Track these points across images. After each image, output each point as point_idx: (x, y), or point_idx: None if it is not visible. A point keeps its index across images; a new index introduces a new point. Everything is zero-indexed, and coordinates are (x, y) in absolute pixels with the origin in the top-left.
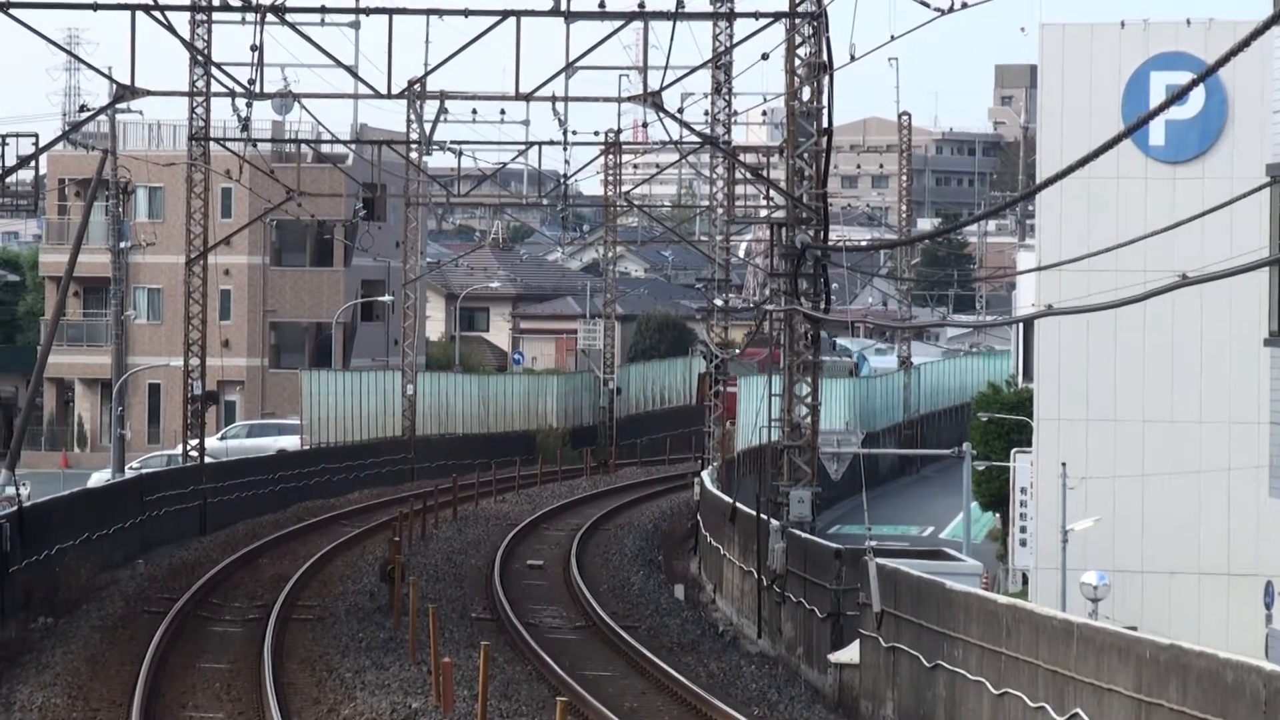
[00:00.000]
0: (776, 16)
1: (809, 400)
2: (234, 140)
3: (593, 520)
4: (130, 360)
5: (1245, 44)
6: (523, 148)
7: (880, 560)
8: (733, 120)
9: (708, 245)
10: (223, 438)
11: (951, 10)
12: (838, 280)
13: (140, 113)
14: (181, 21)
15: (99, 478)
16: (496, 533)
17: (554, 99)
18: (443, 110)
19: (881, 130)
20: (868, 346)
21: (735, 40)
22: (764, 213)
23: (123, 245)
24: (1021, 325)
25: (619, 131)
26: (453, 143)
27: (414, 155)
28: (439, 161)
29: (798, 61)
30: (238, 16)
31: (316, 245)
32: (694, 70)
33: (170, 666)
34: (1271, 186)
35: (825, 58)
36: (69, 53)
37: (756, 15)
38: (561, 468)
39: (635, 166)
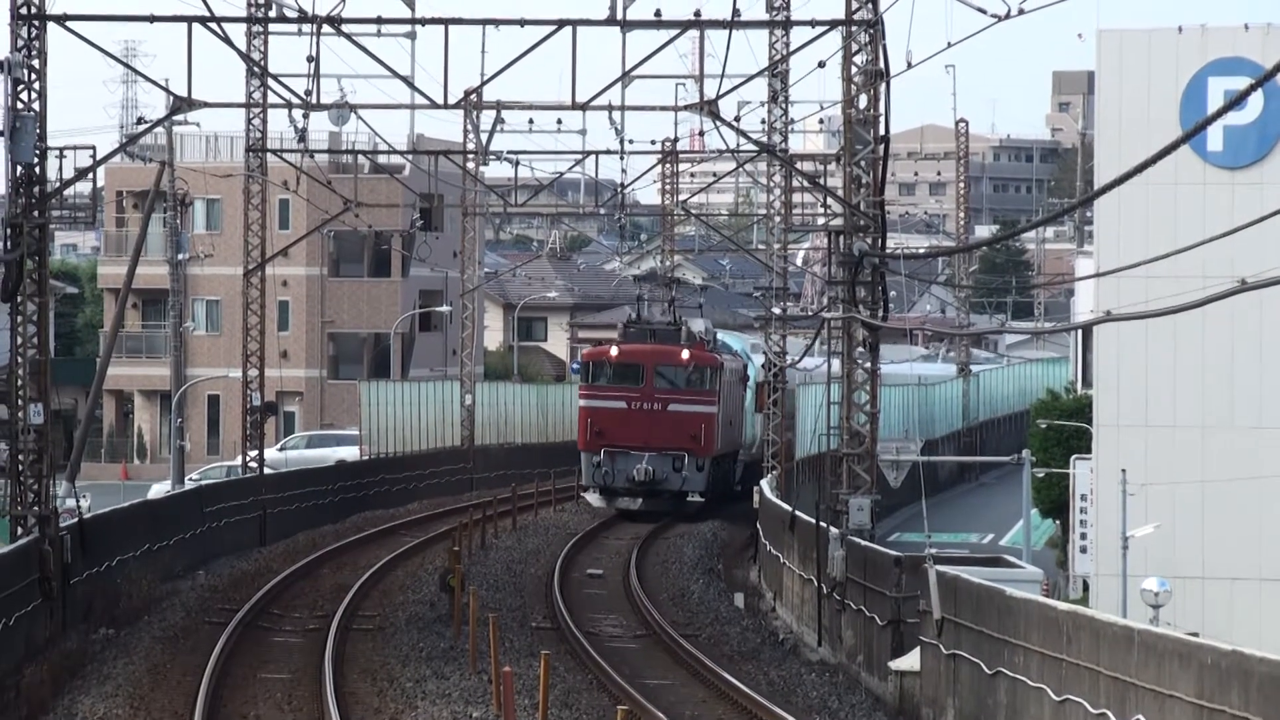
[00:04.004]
0: (833, 24)
1: (868, 408)
2: (291, 151)
3: (652, 529)
4: (189, 372)
5: None
6: (579, 157)
7: (940, 567)
8: (789, 128)
9: (765, 254)
10: (282, 448)
11: (1009, 16)
12: (896, 288)
13: (197, 125)
14: (238, 33)
15: (159, 489)
16: (556, 542)
17: (610, 108)
18: (499, 120)
19: (939, 137)
20: (924, 355)
21: (791, 48)
22: (821, 220)
23: (181, 257)
24: (1080, 331)
25: (675, 140)
26: (509, 152)
27: (471, 165)
28: (496, 171)
29: (854, 69)
30: (294, 28)
31: (374, 256)
32: (750, 78)
33: (231, 677)
34: None
35: (882, 65)
36: (126, 65)
37: (813, 23)
38: None
39: (692, 175)
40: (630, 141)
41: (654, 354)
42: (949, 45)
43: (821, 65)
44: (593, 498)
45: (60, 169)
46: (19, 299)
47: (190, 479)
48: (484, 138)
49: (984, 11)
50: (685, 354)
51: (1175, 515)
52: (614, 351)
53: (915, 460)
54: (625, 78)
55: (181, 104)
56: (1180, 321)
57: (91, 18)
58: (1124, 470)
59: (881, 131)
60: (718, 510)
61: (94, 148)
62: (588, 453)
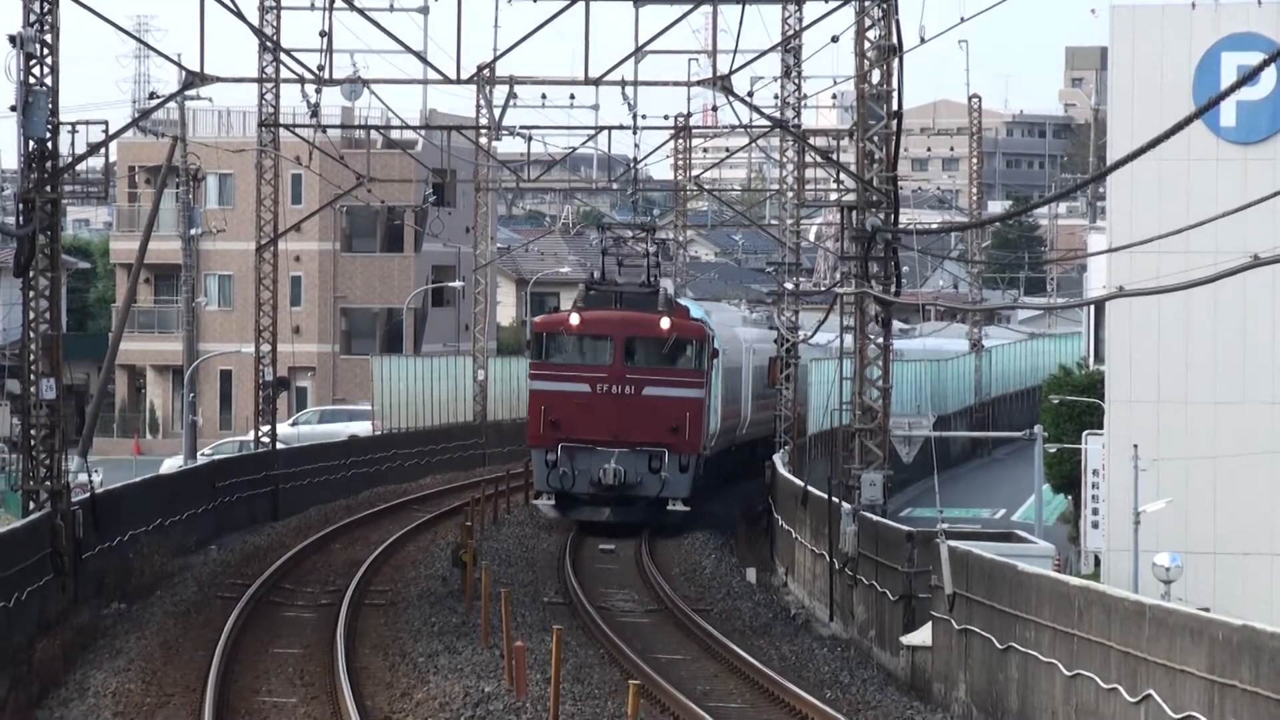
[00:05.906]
0: None
1: (880, 383)
2: (303, 126)
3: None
4: (201, 347)
5: None
6: (592, 132)
7: (952, 543)
8: (802, 104)
9: (778, 229)
10: (294, 423)
11: None
12: (908, 263)
13: (210, 99)
14: (250, 8)
15: (171, 464)
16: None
17: (623, 83)
18: (512, 95)
19: (952, 113)
20: (937, 330)
21: (805, 23)
22: (834, 196)
23: (193, 232)
24: (1093, 307)
25: (689, 116)
26: (522, 128)
27: (483, 140)
28: (508, 146)
29: (867, 44)
30: (307, 2)
31: (387, 231)
32: (764, 54)
33: (243, 651)
34: None
35: (895, 40)
36: (138, 40)
37: None
38: None
39: (705, 150)
40: (643, 117)
41: (625, 323)
42: (962, 20)
43: (835, 40)
44: (545, 505)
45: (72, 144)
46: (31, 274)
47: (202, 454)
48: (497, 113)
49: None
50: (666, 323)
51: (1187, 490)
52: (574, 320)
53: (927, 435)
54: (638, 53)
55: (194, 79)
56: (1193, 297)
57: None
58: (1136, 445)
59: (894, 107)
60: (701, 520)
61: (106, 123)
62: (540, 449)
